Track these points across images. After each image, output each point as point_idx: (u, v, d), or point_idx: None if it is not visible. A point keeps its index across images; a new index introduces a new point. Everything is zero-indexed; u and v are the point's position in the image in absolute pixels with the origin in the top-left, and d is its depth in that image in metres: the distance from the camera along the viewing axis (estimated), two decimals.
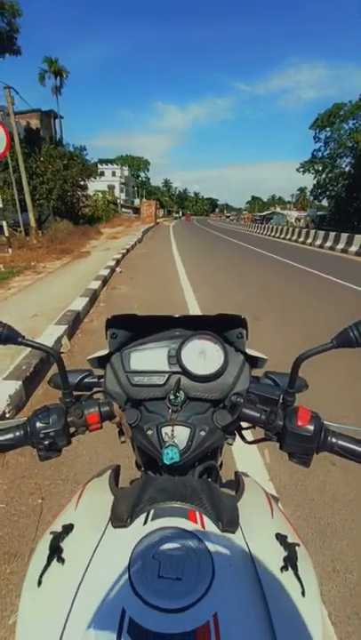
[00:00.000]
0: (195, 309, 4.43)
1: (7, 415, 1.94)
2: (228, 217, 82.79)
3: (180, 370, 0.58)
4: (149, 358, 0.60)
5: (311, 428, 0.47)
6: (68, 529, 0.45)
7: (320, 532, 1.42)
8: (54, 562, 0.40)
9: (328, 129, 30.55)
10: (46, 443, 0.48)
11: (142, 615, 0.32)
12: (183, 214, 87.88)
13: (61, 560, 0.40)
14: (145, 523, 0.42)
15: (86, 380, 0.65)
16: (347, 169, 30.03)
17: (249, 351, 0.62)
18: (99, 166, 45.80)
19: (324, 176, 32.08)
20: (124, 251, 9.43)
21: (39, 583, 0.39)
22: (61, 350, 3.00)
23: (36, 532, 1.34)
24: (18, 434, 0.49)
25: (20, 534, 1.33)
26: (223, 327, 0.62)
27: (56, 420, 0.49)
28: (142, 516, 0.43)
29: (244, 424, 0.60)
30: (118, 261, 7.74)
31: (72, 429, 0.52)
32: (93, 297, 4.63)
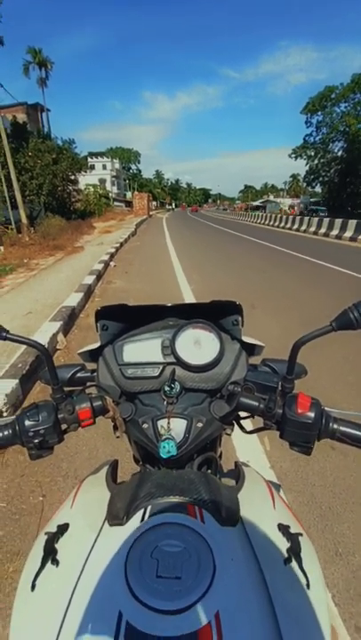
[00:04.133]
0: (191, 301, 4.40)
1: (5, 414, 1.92)
2: (225, 209, 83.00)
3: (174, 360, 0.56)
4: (143, 350, 0.58)
5: (312, 414, 0.46)
6: (63, 529, 0.43)
7: (322, 516, 1.43)
8: (48, 564, 0.39)
9: (320, 113, 30.17)
10: (36, 441, 0.46)
11: (140, 618, 0.30)
12: (177, 206, 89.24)
13: (56, 562, 0.39)
14: (142, 520, 0.40)
15: (79, 374, 0.64)
16: (339, 153, 29.77)
17: (245, 338, 0.60)
18: (89, 159, 45.00)
19: (316, 162, 31.80)
20: (118, 244, 9.34)
21: (33, 587, 0.37)
22: (57, 347, 2.97)
23: (38, 530, 1.33)
24: (6, 433, 0.47)
25: (22, 532, 1.33)
26: (218, 315, 0.60)
27: (46, 417, 0.47)
28: (139, 513, 0.41)
29: (242, 413, 0.58)
30: (112, 255, 7.66)
31: (63, 426, 0.50)
32: (88, 292, 4.59)
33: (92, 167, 44.52)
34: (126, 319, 0.61)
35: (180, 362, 0.56)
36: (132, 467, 0.69)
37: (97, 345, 0.61)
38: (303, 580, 0.37)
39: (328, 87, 29.20)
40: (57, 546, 0.41)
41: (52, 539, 0.41)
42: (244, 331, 0.61)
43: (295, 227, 18.22)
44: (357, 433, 0.46)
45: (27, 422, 0.46)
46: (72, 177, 15.99)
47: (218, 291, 5.00)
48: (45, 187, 13.70)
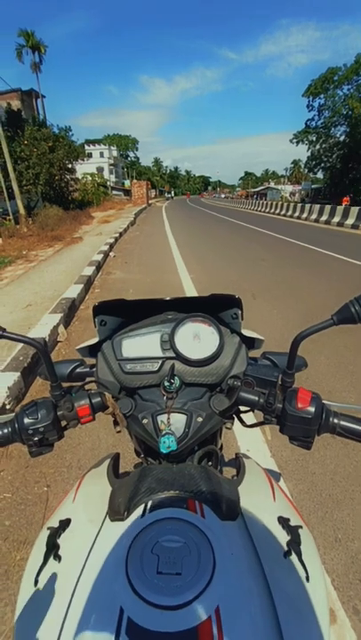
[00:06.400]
0: (191, 292, 4.38)
1: (7, 407, 1.94)
2: (226, 197, 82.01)
3: (174, 355, 0.56)
4: (142, 344, 0.58)
5: (312, 409, 0.45)
6: (64, 524, 0.43)
7: (321, 503, 1.45)
8: (51, 560, 0.39)
9: (322, 96, 29.28)
10: (36, 439, 0.46)
11: (141, 614, 0.31)
12: (176, 194, 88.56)
13: (58, 558, 0.39)
14: (143, 515, 0.40)
15: (78, 369, 0.63)
16: (341, 138, 29.03)
17: (245, 332, 0.60)
18: (86, 147, 44.19)
19: (318, 147, 31.06)
20: (117, 235, 9.25)
21: (35, 583, 0.37)
22: (58, 339, 2.98)
23: (43, 519, 1.36)
24: (5, 431, 0.47)
25: (28, 522, 1.36)
26: (217, 308, 0.60)
27: (45, 414, 0.47)
28: (140, 508, 0.41)
29: (242, 407, 0.58)
30: (111, 246, 7.60)
31: (63, 423, 0.50)
32: (88, 283, 4.57)
33: (90, 155, 43.62)
34: (124, 314, 0.61)
35: (179, 356, 0.55)
36: (135, 458, 0.70)
37: (95, 340, 0.61)
38: (303, 573, 0.38)
39: (330, 69, 28.23)
40: (59, 541, 0.41)
41: (55, 534, 0.42)
42: (244, 324, 0.60)
43: (296, 214, 18.00)
44: (358, 427, 0.46)
45: (26, 420, 0.46)
46: (69, 165, 15.70)
47: (218, 281, 4.97)
48: (42, 176, 13.47)
